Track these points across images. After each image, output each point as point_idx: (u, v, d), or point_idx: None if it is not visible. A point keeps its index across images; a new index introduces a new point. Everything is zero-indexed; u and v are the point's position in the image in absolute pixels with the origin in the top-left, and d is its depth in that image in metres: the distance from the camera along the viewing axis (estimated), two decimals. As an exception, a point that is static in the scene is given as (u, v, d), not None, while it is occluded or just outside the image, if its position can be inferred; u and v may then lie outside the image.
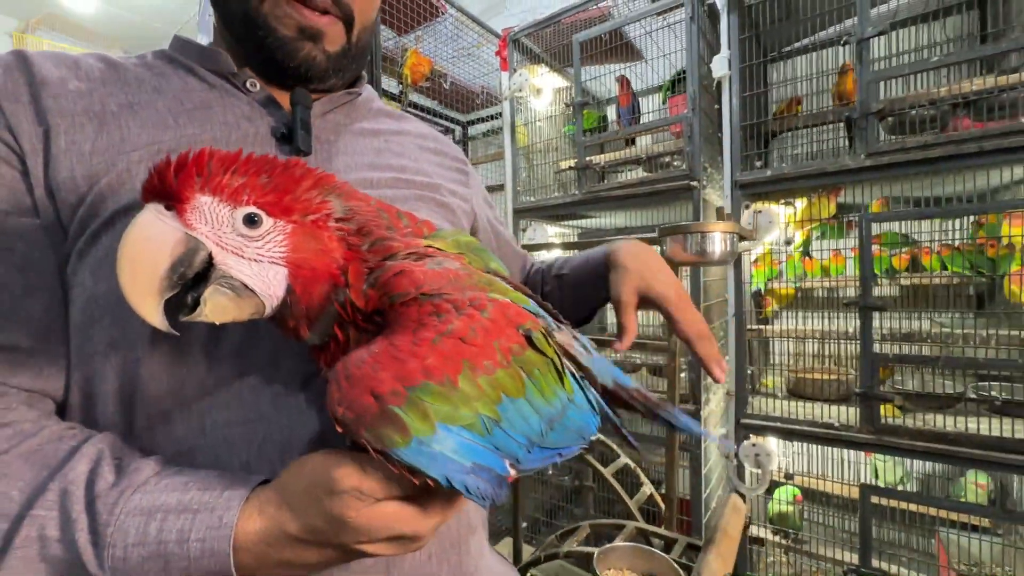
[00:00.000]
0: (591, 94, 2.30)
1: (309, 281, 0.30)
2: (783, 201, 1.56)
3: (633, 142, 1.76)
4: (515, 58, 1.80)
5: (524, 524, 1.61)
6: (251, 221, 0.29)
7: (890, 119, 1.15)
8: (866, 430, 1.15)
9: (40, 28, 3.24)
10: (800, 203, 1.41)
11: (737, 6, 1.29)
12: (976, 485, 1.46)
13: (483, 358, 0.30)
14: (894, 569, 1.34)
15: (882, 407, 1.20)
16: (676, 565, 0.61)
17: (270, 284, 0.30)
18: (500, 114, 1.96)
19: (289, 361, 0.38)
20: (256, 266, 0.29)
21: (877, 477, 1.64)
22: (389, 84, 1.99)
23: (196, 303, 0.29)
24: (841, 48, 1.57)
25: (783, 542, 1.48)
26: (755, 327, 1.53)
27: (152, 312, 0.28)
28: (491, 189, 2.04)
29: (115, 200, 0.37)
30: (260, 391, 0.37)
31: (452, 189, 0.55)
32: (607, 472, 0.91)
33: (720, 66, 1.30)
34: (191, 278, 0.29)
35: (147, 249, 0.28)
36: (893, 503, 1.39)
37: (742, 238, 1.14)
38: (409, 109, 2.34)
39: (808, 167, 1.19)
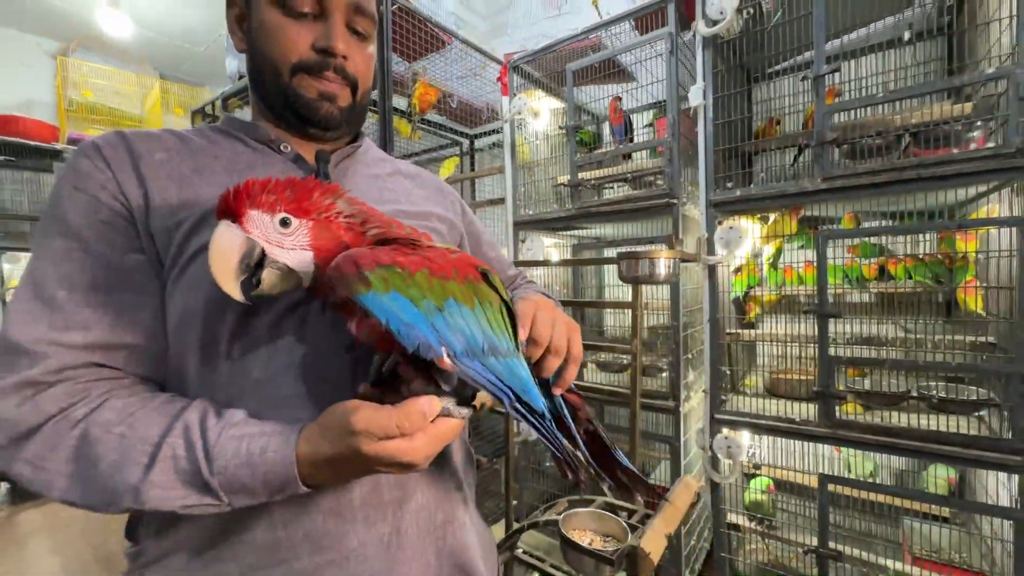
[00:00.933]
0: (588, 111, 2.45)
1: (326, 257, 0.44)
2: (759, 216, 1.70)
3: (630, 157, 1.90)
4: (515, 82, 1.96)
5: (525, 513, 1.76)
6: (284, 223, 0.44)
7: (845, 146, 1.28)
8: (824, 425, 1.28)
9: (78, 50, 3.49)
10: (773, 218, 1.55)
11: (711, 42, 1.43)
12: (936, 478, 1.59)
13: (440, 270, 0.44)
14: (858, 553, 1.46)
15: (847, 405, 1.33)
16: (626, 525, 0.76)
17: (303, 263, 0.44)
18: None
19: (328, 354, 0.54)
20: (292, 253, 0.44)
21: (849, 470, 1.76)
22: (400, 103, 2.17)
23: (259, 282, 0.44)
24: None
25: (758, 528, 1.61)
26: (733, 331, 1.67)
27: (234, 290, 0.43)
28: (493, 202, 2.20)
29: (196, 241, 0.51)
30: (308, 375, 0.52)
31: (440, 214, 0.70)
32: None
33: (695, 96, 1.44)
34: (254, 265, 0.44)
35: (224, 250, 0.43)
36: (864, 495, 1.52)
37: (686, 260, 1.28)
38: (420, 125, 2.52)
39: (771, 189, 1.33)
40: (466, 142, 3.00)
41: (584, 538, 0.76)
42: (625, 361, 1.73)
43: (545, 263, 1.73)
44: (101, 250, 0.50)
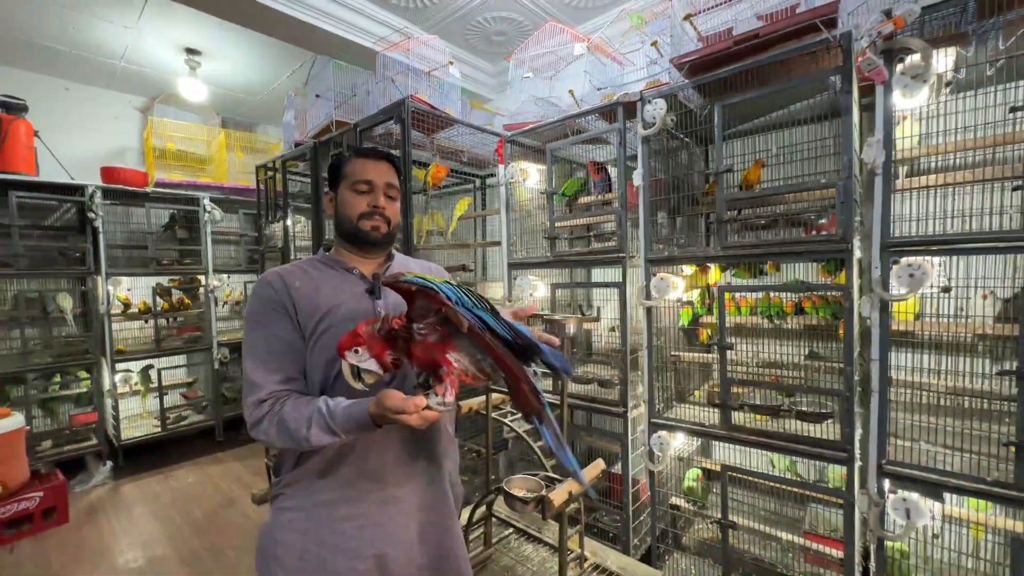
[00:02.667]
0: (578, 163, 2.93)
1: (379, 359, 0.86)
2: (697, 267, 2.14)
3: (610, 203, 2.37)
4: (509, 151, 2.46)
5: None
6: (356, 352, 0.84)
7: (736, 223, 1.73)
8: (723, 428, 1.74)
9: (158, 105, 4.20)
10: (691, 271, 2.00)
11: (648, 140, 1.90)
12: (834, 473, 2.01)
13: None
14: (757, 526, 1.89)
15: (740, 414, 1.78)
16: (544, 485, 1.25)
17: (374, 365, 0.86)
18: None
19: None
20: (369, 363, 0.85)
21: (773, 466, 2.19)
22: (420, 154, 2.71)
23: (363, 378, 0.87)
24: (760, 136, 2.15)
25: (691, 508, 2.07)
26: (676, 353, 2.13)
27: (356, 385, 0.86)
28: (493, 243, 2.71)
29: (320, 328, 0.99)
30: (359, 393, 1.01)
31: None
32: (536, 445, 1.55)
33: (637, 179, 1.92)
34: (359, 372, 0.86)
35: (344, 369, 0.86)
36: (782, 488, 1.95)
37: (594, 320, 1.76)
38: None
39: (687, 252, 1.79)
40: (478, 180, 3.53)
41: (519, 492, 1.27)
42: (590, 375, 2.22)
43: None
44: (281, 335, 0.99)
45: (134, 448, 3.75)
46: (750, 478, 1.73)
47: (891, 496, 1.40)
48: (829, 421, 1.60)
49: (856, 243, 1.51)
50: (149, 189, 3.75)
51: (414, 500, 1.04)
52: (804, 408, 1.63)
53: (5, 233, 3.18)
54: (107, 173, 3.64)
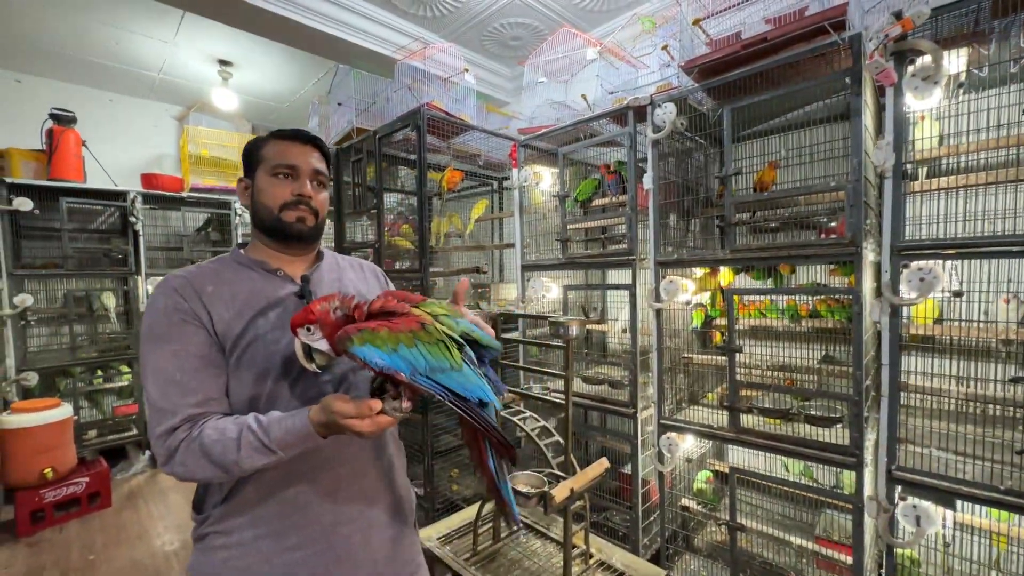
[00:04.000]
0: (593, 164, 2.95)
1: (331, 339, 0.77)
2: (708, 270, 2.14)
3: (624, 204, 2.39)
4: (523, 155, 2.51)
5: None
6: (308, 330, 0.77)
7: (745, 226, 1.73)
8: (732, 431, 1.74)
9: (193, 113, 4.43)
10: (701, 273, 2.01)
11: (657, 143, 1.92)
12: (850, 479, 1.97)
13: (394, 328, 0.75)
14: (783, 535, 1.89)
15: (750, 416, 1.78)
16: (547, 481, 1.30)
17: (325, 346, 0.78)
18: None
19: (311, 388, 0.90)
20: (319, 342, 0.78)
21: (788, 470, 2.17)
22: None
23: (314, 359, 0.79)
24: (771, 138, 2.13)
25: (702, 510, 2.07)
26: (688, 356, 2.13)
27: (308, 366, 0.79)
28: (507, 245, 2.76)
29: (245, 339, 0.86)
30: (303, 398, 0.88)
31: (373, 289, 1.09)
32: (542, 442, 1.60)
33: (647, 182, 1.93)
34: (310, 352, 0.79)
35: (296, 348, 0.79)
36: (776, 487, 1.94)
37: (598, 322, 1.78)
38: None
39: (695, 255, 1.80)
40: (496, 183, 3.59)
41: (523, 488, 1.32)
42: (601, 376, 2.24)
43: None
44: (194, 350, 0.84)
45: (170, 439, 3.97)
46: (762, 482, 1.73)
47: (900, 503, 1.38)
48: (839, 426, 1.58)
49: (869, 246, 1.50)
50: (185, 194, 3.97)
51: (371, 515, 0.94)
52: (814, 412, 1.62)
53: (56, 236, 3.42)
54: (146, 179, 3.86)
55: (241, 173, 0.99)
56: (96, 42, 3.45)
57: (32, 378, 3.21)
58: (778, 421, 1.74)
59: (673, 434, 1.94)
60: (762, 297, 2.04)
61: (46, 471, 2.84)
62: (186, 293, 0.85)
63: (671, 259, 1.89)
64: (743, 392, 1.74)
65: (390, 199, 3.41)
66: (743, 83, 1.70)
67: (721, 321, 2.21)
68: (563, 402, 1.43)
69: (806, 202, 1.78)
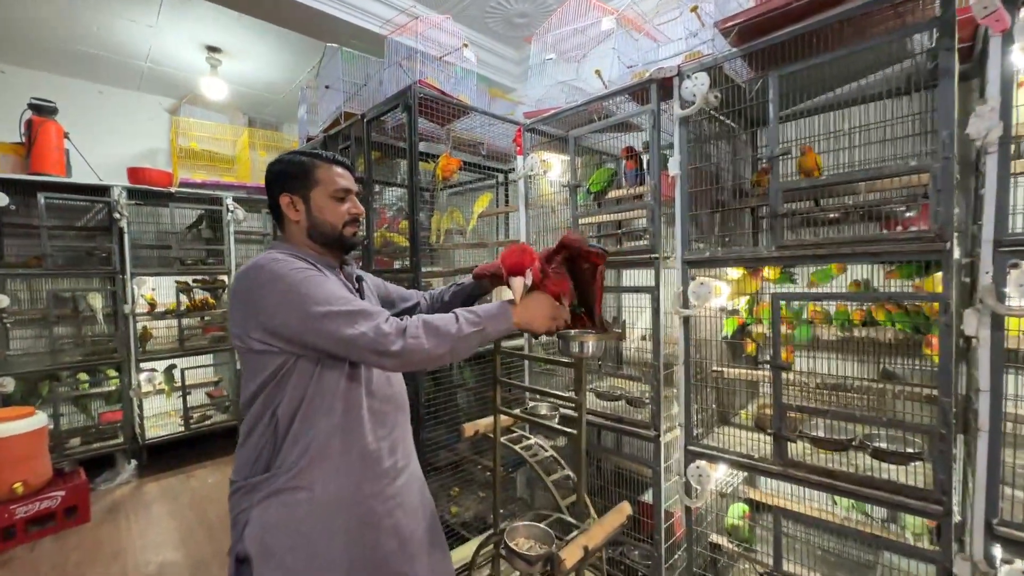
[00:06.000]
0: (607, 153, 2.67)
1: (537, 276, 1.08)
2: (746, 271, 1.84)
3: (641, 197, 2.10)
4: (529, 140, 2.23)
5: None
6: (528, 273, 1.05)
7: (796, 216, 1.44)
8: (776, 463, 1.45)
9: (184, 106, 4.23)
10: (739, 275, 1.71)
11: (686, 121, 1.63)
12: (914, 519, 1.67)
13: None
14: None
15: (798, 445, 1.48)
16: (555, 536, 1.03)
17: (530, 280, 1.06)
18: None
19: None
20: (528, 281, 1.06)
21: (835, 502, 1.87)
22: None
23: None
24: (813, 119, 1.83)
25: (735, 549, 1.78)
26: (719, 369, 1.84)
27: (518, 299, 1.06)
28: (511, 243, 2.49)
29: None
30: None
31: (377, 285, 1.32)
32: (549, 480, 1.33)
33: (673, 167, 1.65)
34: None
35: (519, 285, 1.05)
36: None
37: (620, 337, 1.50)
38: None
39: (733, 252, 1.51)
40: (501, 176, 3.31)
41: (525, 545, 1.05)
42: (617, 392, 1.96)
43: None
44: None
45: (158, 447, 3.78)
46: (813, 521, 1.44)
47: (1005, 567, 1.08)
48: (917, 463, 1.29)
49: (955, 241, 1.20)
50: (173, 189, 3.76)
51: (411, 467, 1.16)
52: (882, 444, 1.32)
53: (37, 233, 3.23)
54: (133, 173, 3.66)
55: (239, 166, 1.10)
56: (78, 27, 3.25)
57: (8, 384, 3.02)
58: (830, 452, 1.45)
59: (703, 462, 1.65)
60: (806, 303, 1.74)
61: (16, 486, 2.64)
62: (305, 264, 1.01)
63: (702, 257, 1.60)
64: (790, 415, 1.45)
65: (391, 193, 3.17)
66: (792, 45, 1.41)
67: (758, 328, 1.92)
68: (575, 432, 1.16)
69: (867, 189, 1.48)
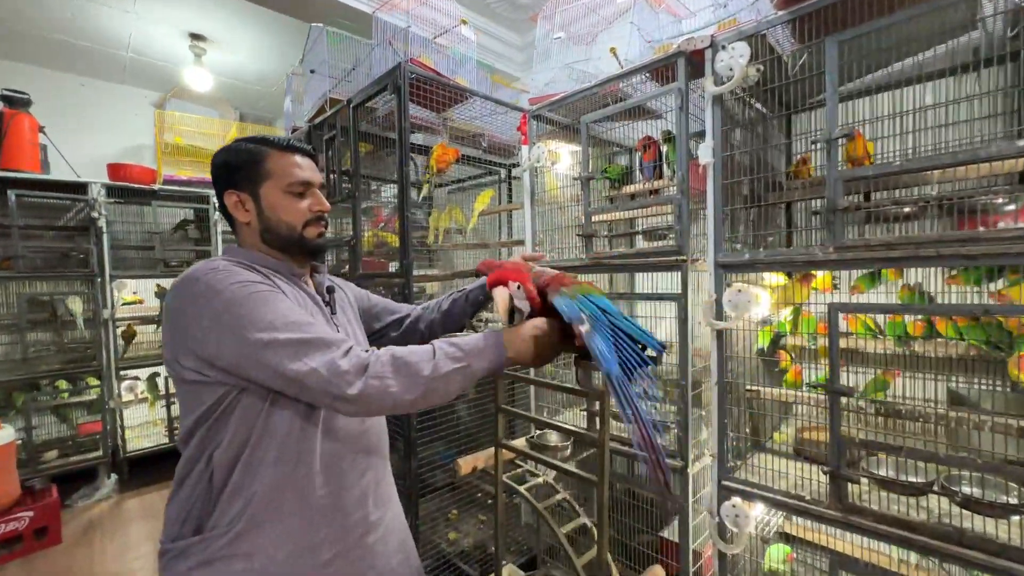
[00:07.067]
0: (620, 145, 2.43)
1: (531, 301, 0.89)
2: (796, 277, 1.59)
3: (657, 192, 1.87)
4: (535, 129, 2.00)
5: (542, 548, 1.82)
6: (518, 288, 0.87)
7: (861, 212, 1.19)
8: (834, 507, 1.21)
9: (171, 100, 4.01)
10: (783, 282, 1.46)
11: (720, 100, 1.39)
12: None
13: (568, 283, 0.88)
14: None
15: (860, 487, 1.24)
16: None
17: (526, 307, 0.88)
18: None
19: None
20: (523, 303, 0.88)
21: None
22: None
23: (512, 317, 0.88)
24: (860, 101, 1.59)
25: (775, 598, 1.54)
26: (754, 388, 1.60)
27: (504, 317, 0.86)
28: (516, 242, 2.25)
29: None
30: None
31: (358, 296, 1.17)
32: (562, 531, 1.10)
33: (704, 154, 1.41)
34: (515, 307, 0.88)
35: (504, 298, 0.87)
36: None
37: (657, 359, 1.27)
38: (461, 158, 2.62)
39: (778, 255, 1.27)
40: (504, 171, 3.08)
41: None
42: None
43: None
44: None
45: (141, 460, 3.57)
46: (871, 562, 1.19)
47: None
48: (1016, 517, 1.04)
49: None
50: (156, 187, 3.55)
51: (387, 520, 0.97)
52: (971, 490, 1.08)
53: (9, 233, 3.02)
54: (113, 170, 3.45)
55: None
56: (54, 15, 3.04)
57: (-25, 395, 2.82)
58: (901, 495, 1.20)
59: (739, 499, 1.41)
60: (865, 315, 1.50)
61: (-24, 507, 2.44)
62: (253, 276, 0.82)
63: (740, 260, 1.36)
64: (853, 451, 1.20)
65: (387, 191, 2.94)
66: (851, 5, 1.17)
67: (795, 340, 1.68)
68: (594, 479, 0.93)
69: (940, 177, 1.24)
